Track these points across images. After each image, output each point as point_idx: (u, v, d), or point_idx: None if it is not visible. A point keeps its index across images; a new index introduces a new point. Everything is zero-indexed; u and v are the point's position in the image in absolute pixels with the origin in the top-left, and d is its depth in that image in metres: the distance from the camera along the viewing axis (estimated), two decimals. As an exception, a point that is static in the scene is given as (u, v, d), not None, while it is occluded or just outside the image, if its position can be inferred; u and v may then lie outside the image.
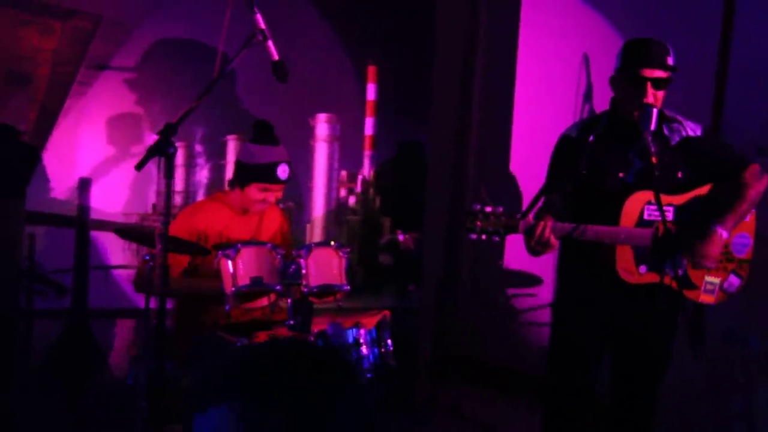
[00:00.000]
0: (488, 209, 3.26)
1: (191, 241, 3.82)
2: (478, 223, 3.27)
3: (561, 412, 3.69)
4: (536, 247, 3.36)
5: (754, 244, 3.60)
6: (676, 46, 3.48)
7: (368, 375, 3.58)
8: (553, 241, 3.32)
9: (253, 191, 3.90)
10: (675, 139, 3.53)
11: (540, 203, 3.47)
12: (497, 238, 3.29)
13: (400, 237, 6.07)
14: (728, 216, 3.46)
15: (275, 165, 3.86)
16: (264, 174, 3.87)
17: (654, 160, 3.27)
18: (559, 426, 3.71)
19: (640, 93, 3.40)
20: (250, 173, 3.88)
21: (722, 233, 3.43)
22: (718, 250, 3.45)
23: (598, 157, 3.53)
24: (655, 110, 3.34)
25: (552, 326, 3.82)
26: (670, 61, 3.41)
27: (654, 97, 3.40)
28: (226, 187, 4.14)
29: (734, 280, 3.58)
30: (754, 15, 4.62)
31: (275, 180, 3.89)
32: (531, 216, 3.33)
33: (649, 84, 3.39)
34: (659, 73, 3.39)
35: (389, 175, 6.04)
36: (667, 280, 3.38)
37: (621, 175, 3.50)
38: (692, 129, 3.55)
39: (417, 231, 6.12)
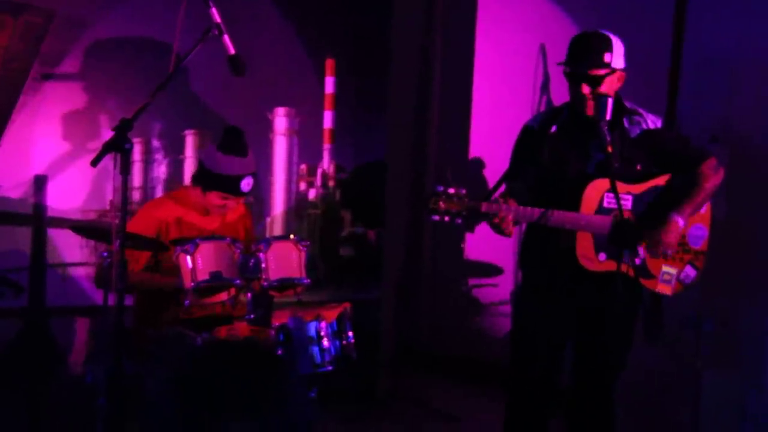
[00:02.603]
0: (451, 191, 3.23)
1: (152, 235, 3.80)
2: (441, 204, 3.23)
3: (524, 399, 3.72)
4: (494, 229, 3.38)
5: (709, 235, 3.65)
6: (631, 37, 3.51)
7: (329, 368, 3.59)
8: (509, 230, 3.35)
9: (214, 197, 3.89)
10: (635, 132, 3.57)
11: (501, 190, 3.49)
12: (460, 221, 3.26)
13: (361, 229, 6.07)
14: (685, 205, 3.52)
15: (239, 178, 3.83)
16: (226, 185, 3.84)
17: (609, 149, 3.31)
18: (523, 413, 3.74)
19: (575, 89, 3.45)
20: (212, 181, 3.86)
21: (679, 221, 3.48)
22: (675, 238, 3.50)
23: (560, 148, 3.57)
24: (610, 100, 3.37)
25: (514, 314, 3.85)
26: (607, 57, 3.41)
27: (593, 92, 3.42)
28: (188, 182, 4.10)
29: (690, 272, 3.62)
30: (706, 6, 4.68)
31: (238, 193, 3.87)
32: (493, 199, 3.34)
33: (584, 82, 3.42)
34: (594, 71, 3.41)
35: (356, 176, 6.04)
36: (623, 267, 3.41)
37: (582, 166, 3.54)
38: (653, 121, 3.60)
39: (378, 224, 6.12)
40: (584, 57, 3.42)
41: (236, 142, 3.86)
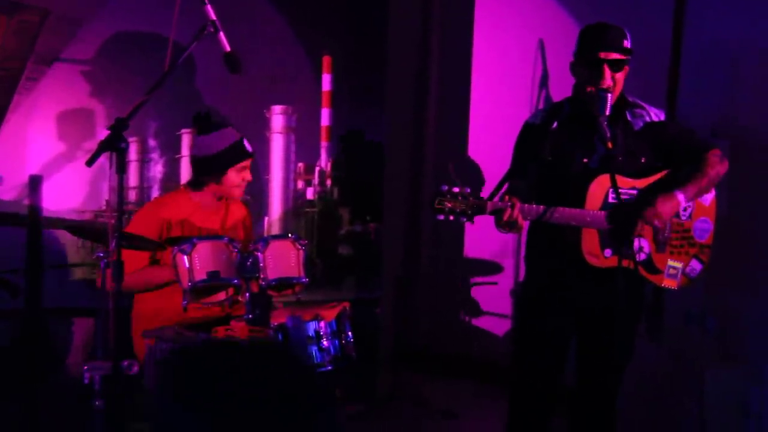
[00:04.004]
0: (456, 190, 3.22)
1: (152, 235, 3.76)
2: (447, 203, 3.22)
3: (527, 395, 3.70)
4: (504, 228, 3.35)
5: (714, 228, 3.63)
6: (630, 31, 3.49)
7: (328, 367, 3.57)
8: (521, 221, 3.31)
9: (232, 176, 3.89)
10: (638, 125, 3.55)
11: (504, 189, 3.46)
12: (465, 219, 3.25)
13: (360, 228, 6.05)
14: (688, 184, 3.47)
15: (240, 142, 3.88)
16: (235, 155, 3.87)
17: (610, 144, 3.29)
18: (526, 410, 3.72)
19: (597, 75, 3.42)
20: (222, 161, 3.86)
21: (679, 197, 3.43)
22: (669, 211, 3.44)
23: (562, 143, 3.55)
24: (609, 95, 3.37)
25: (517, 311, 3.83)
26: (626, 44, 3.44)
27: (612, 79, 3.42)
28: (191, 189, 4.01)
29: (696, 265, 3.60)
30: (706, 0, 4.66)
31: (247, 155, 3.91)
32: (497, 198, 3.32)
33: (606, 66, 3.40)
34: (616, 55, 3.41)
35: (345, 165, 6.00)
36: (625, 262, 3.38)
37: (585, 160, 3.52)
38: (656, 114, 3.59)
39: (377, 221, 6.10)
40: (608, 42, 3.42)
41: (210, 121, 3.91)
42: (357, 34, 5.96)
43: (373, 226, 6.06)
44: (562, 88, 3.69)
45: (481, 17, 6.13)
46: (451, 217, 3.23)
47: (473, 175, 6.04)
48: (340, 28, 5.91)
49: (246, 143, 3.91)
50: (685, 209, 3.55)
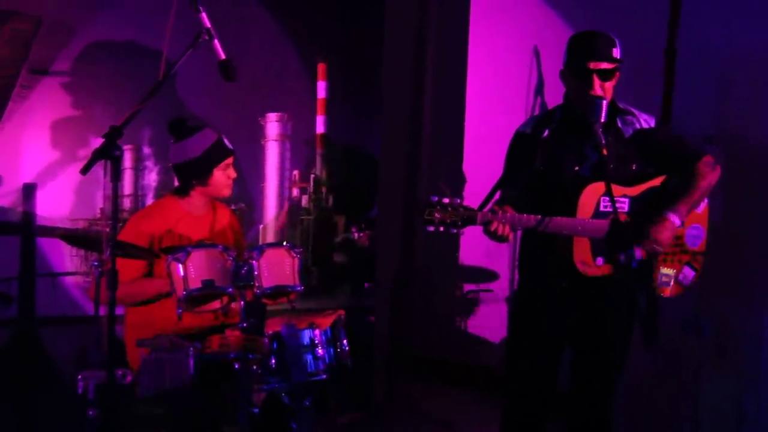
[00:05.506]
0: (446, 201, 3.23)
1: (142, 245, 3.75)
2: (437, 214, 3.22)
3: (521, 404, 3.70)
4: (492, 239, 3.36)
5: (707, 235, 3.62)
6: (625, 38, 3.49)
7: (323, 376, 3.55)
8: (507, 232, 3.31)
9: (218, 176, 3.90)
10: (629, 132, 3.55)
11: (496, 197, 3.46)
12: (455, 230, 3.25)
13: (355, 235, 6.04)
14: (680, 203, 3.48)
15: (220, 140, 3.90)
16: (218, 154, 3.88)
17: (605, 151, 3.29)
18: (520, 419, 3.71)
19: (587, 85, 3.42)
20: (205, 162, 3.87)
21: (673, 219, 3.45)
22: (668, 236, 3.45)
23: (553, 151, 3.54)
24: (604, 102, 3.37)
25: (512, 319, 3.83)
26: (615, 53, 3.43)
27: (602, 88, 3.42)
28: (179, 197, 4.01)
29: (689, 273, 3.59)
30: (700, 7, 4.66)
31: (229, 152, 3.92)
32: (488, 208, 3.32)
33: (595, 76, 3.40)
34: (605, 65, 3.41)
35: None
36: (621, 271, 3.38)
37: (576, 168, 3.51)
38: (646, 121, 3.58)
39: (371, 228, 6.09)
40: (596, 51, 3.41)
41: (186, 126, 3.91)
42: (352, 41, 5.96)
43: (367, 234, 6.06)
44: (557, 94, 3.68)
45: (476, 24, 6.13)
46: (441, 228, 3.24)
47: (469, 181, 6.04)
48: (335, 35, 5.91)
49: (225, 140, 3.92)
50: None
